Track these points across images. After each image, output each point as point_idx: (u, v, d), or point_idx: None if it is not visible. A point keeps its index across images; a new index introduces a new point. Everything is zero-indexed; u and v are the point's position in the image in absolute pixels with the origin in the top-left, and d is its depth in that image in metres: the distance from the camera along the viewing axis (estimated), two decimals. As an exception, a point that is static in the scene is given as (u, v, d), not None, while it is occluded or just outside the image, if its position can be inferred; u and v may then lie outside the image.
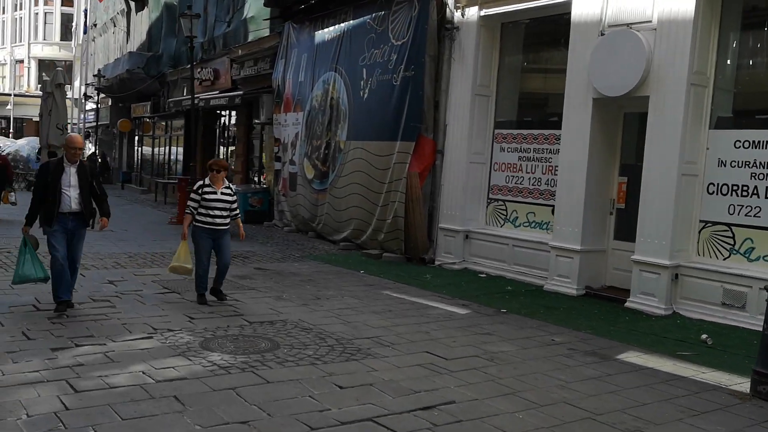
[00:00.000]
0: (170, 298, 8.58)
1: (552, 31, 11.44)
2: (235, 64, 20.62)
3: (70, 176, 7.47)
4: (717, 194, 8.94)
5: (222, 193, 8.31)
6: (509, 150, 11.70)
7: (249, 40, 20.17)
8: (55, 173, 7.44)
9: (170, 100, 25.85)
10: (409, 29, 12.43)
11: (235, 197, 8.52)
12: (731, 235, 8.80)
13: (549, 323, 8.23)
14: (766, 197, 8.48)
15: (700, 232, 9.08)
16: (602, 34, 9.69)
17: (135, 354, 6.14)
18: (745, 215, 8.67)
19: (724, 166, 8.88)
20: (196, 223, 8.27)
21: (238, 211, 8.58)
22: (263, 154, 20.01)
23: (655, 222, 9.04)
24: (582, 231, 9.96)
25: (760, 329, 7.93)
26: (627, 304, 9.23)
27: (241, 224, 8.66)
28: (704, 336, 7.72)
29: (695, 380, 6.21)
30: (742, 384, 6.13)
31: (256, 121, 19.93)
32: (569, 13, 10.20)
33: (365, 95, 13.64)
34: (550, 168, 11.02)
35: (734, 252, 8.78)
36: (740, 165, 8.74)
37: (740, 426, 5.15)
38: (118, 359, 5.96)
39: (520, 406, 5.28)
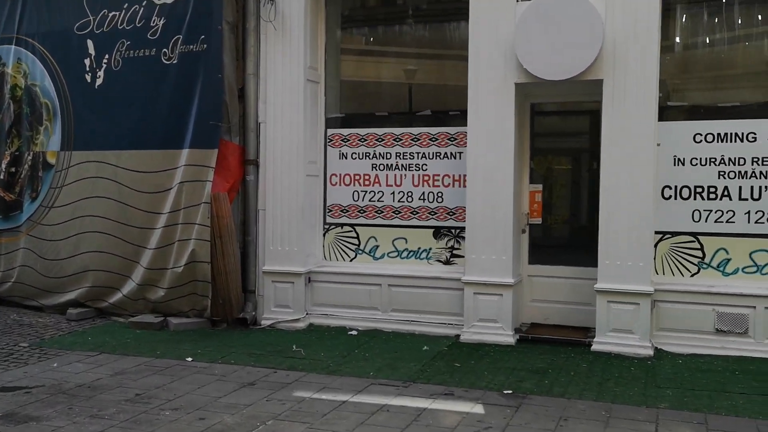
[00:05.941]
0: None
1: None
2: None
3: None
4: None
5: None
6: (355, 156, 8.60)
7: None
8: None
9: None
10: (187, -18, 8.33)
11: None
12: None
13: (601, 401, 5.67)
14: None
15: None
16: (523, -1, 7.40)
17: None
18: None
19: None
20: None
21: None
22: None
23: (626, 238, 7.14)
24: (512, 259, 7.56)
25: None
26: (594, 347, 7.17)
27: None
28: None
29: None
30: None
31: None
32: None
33: (99, 81, 8.91)
34: (427, 177, 8.31)
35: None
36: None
37: None
38: None
39: None
